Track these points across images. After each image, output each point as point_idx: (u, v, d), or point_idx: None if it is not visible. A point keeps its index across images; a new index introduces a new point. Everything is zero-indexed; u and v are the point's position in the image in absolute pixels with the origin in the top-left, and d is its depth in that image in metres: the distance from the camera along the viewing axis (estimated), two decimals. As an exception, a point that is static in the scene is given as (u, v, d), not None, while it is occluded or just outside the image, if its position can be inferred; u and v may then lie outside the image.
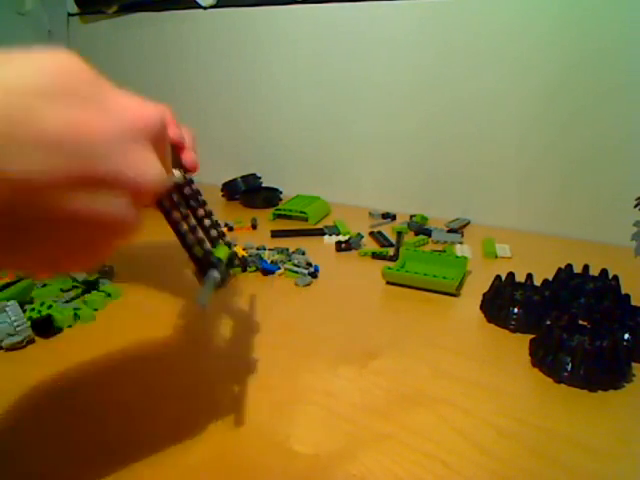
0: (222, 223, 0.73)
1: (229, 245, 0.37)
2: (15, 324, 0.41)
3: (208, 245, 0.34)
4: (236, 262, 0.51)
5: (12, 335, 0.41)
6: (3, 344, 0.41)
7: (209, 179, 0.94)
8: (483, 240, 0.69)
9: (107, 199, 0.24)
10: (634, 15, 0.64)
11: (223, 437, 0.33)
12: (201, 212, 0.36)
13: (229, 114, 0.97)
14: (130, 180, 0.24)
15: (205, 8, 0.93)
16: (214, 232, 0.36)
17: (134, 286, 0.53)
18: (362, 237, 0.68)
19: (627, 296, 0.48)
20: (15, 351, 0.42)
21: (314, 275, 0.57)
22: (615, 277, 0.51)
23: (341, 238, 0.68)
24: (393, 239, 0.68)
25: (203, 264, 0.33)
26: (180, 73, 1.00)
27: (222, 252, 0.35)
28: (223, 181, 0.89)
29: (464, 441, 0.33)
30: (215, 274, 0.32)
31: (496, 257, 0.64)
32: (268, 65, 0.90)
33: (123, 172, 0.24)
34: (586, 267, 0.53)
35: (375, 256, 0.64)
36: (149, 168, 0.25)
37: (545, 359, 0.40)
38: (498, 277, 0.51)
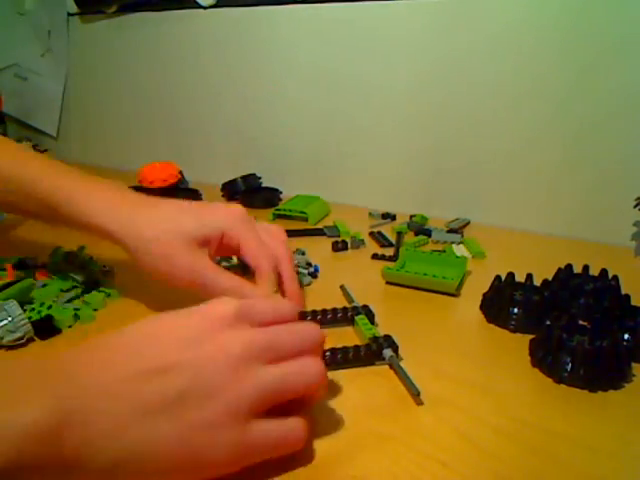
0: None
1: None
2: (15, 320, 0.41)
3: None
4: None
5: (12, 332, 0.41)
6: (4, 341, 0.41)
7: (209, 179, 0.94)
8: (465, 240, 0.69)
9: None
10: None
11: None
12: None
13: (229, 114, 0.97)
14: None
15: (205, 8, 0.93)
16: None
17: (134, 286, 0.53)
18: (363, 240, 0.68)
19: (627, 296, 0.48)
20: (15, 351, 0.42)
21: (314, 275, 0.57)
22: (615, 277, 0.51)
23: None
24: (393, 239, 0.68)
25: None
26: (180, 73, 1.00)
27: None
28: (223, 181, 0.89)
29: (463, 441, 0.33)
30: None
31: (485, 257, 0.64)
32: (268, 65, 0.90)
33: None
34: (586, 267, 0.53)
35: (375, 256, 0.64)
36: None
37: (545, 359, 0.40)
38: (498, 277, 0.51)
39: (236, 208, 0.46)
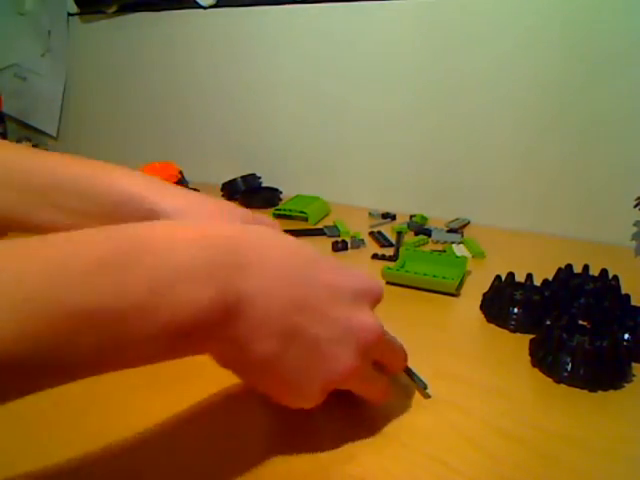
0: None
1: None
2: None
3: None
4: None
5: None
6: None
7: (209, 179, 0.94)
8: (465, 240, 0.69)
9: (337, 341, 0.29)
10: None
11: (220, 438, 0.33)
12: None
13: (229, 114, 0.97)
14: (355, 329, 0.30)
15: (205, 8, 0.93)
16: None
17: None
18: (363, 240, 0.68)
19: (627, 296, 0.48)
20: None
21: (314, 275, 0.57)
22: (615, 277, 0.51)
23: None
24: (393, 239, 0.68)
25: None
26: (180, 73, 1.00)
27: None
28: (223, 181, 0.89)
29: (464, 441, 0.33)
30: None
31: (485, 257, 0.64)
32: (268, 65, 0.90)
33: (349, 320, 0.30)
34: (586, 267, 0.53)
35: (375, 256, 0.64)
36: (370, 321, 0.31)
37: (545, 359, 0.40)
38: (498, 277, 0.51)
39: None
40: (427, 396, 0.37)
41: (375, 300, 0.33)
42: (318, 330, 0.28)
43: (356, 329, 0.30)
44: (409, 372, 0.38)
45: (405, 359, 0.36)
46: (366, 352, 0.30)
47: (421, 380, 0.37)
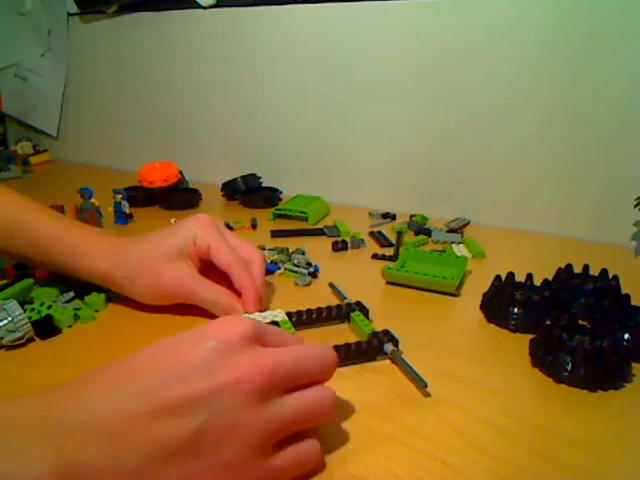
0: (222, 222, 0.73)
1: None
2: (15, 320, 0.41)
3: None
4: None
5: (12, 332, 0.41)
6: (4, 341, 0.41)
7: (209, 179, 0.94)
8: (465, 240, 0.69)
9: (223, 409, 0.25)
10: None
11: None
12: None
13: (229, 114, 0.97)
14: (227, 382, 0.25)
15: (205, 8, 0.93)
16: None
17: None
18: (363, 240, 0.68)
19: (627, 296, 0.48)
20: (15, 351, 0.42)
21: (314, 275, 0.57)
22: (615, 277, 0.51)
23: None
24: (393, 239, 0.68)
25: None
26: (180, 73, 1.00)
27: None
28: (223, 181, 0.89)
29: (464, 441, 0.33)
30: None
31: (485, 257, 0.64)
32: (268, 65, 0.90)
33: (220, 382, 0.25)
34: (586, 267, 0.53)
35: (375, 256, 0.64)
36: (249, 362, 0.26)
37: (545, 359, 0.40)
38: (498, 277, 0.51)
39: (204, 217, 0.48)
40: (427, 394, 0.37)
41: (246, 336, 0.27)
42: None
43: (242, 368, 0.26)
44: (410, 369, 0.38)
45: (331, 371, 0.31)
46: (272, 388, 0.27)
47: (421, 378, 0.37)
